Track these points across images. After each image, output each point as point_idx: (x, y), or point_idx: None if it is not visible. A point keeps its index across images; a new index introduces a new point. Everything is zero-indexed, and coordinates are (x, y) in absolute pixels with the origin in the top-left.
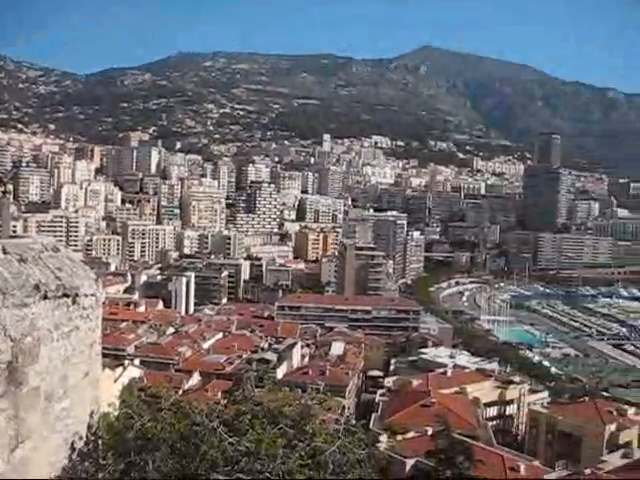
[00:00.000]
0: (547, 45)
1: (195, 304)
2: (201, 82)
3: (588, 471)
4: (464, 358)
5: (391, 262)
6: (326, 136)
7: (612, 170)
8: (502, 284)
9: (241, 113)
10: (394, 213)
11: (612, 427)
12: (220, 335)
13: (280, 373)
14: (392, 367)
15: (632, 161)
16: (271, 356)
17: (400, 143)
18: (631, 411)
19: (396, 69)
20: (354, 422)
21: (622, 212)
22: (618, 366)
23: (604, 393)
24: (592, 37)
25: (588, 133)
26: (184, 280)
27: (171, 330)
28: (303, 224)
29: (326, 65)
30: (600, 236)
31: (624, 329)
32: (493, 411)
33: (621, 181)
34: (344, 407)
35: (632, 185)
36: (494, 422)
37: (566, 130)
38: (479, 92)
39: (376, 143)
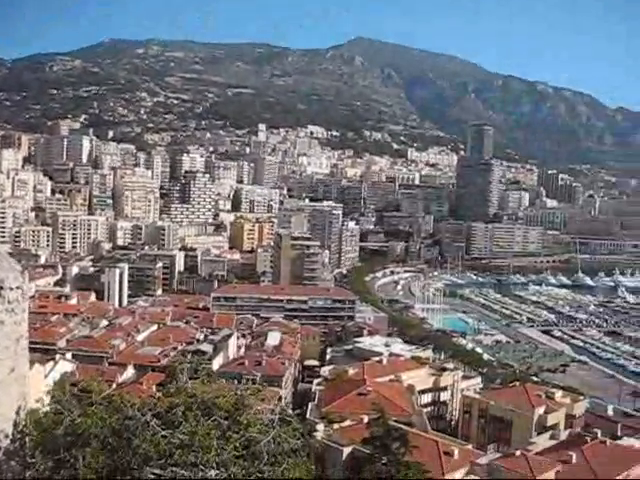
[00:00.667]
0: (478, 38)
1: (129, 296)
2: (134, 70)
3: (518, 453)
4: (399, 346)
5: (327, 252)
6: (261, 126)
7: (541, 161)
8: (436, 273)
9: (175, 102)
10: (330, 203)
11: (540, 410)
12: (155, 327)
13: (216, 364)
14: (328, 356)
15: (560, 152)
16: (207, 347)
17: (335, 133)
18: (558, 394)
19: (331, 59)
20: (289, 412)
21: (551, 202)
22: (547, 351)
23: (533, 378)
24: (521, 31)
25: (519, 125)
26: (117, 272)
27: (104, 323)
28: (238, 214)
29: (261, 54)
30: (530, 225)
31: (552, 316)
32: (428, 398)
33: (550, 172)
34: (280, 397)
35: (560, 176)
36: (429, 408)
37: (498, 122)
38: (413, 83)
39: (312, 133)
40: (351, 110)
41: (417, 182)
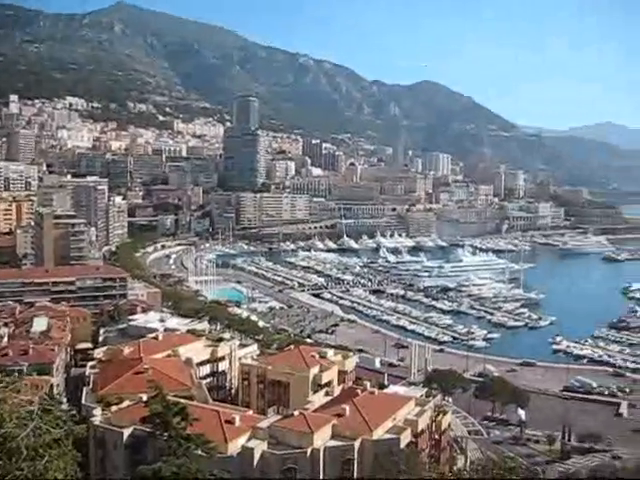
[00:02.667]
0: (242, 9)
1: None
2: None
3: (297, 413)
4: (174, 320)
5: (93, 229)
6: (13, 97)
7: (306, 131)
8: (208, 245)
9: None
10: (94, 178)
11: (315, 370)
12: None
13: None
14: (101, 337)
15: (323, 122)
16: None
17: (97, 105)
18: (330, 353)
19: (89, 26)
20: (54, 400)
21: (316, 170)
22: (318, 313)
23: (307, 340)
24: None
25: (283, 96)
26: None
27: None
28: None
29: (10, 17)
30: (297, 194)
31: (322, 279)
32: (206, 369)
33: (314, 142)
34: (52, 385)
35: (324, 145)
36: (208, 380)
37: (263, 93)
38: (178, 53)
39: (71, 105)
40: (113, 80)
41: (184, 154)
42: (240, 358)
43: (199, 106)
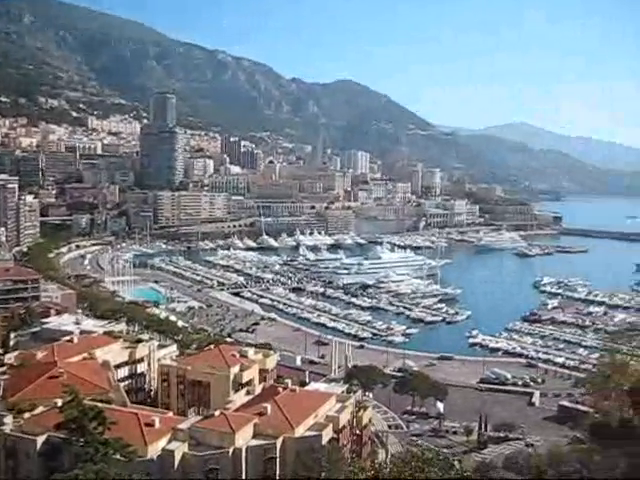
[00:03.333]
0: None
1: None
2: None
3: (217, 412)
4: (90, 322)
5: (3, 229)
6: None
7: (224, 129)
8: (124, 244)
9: None
10: (3, 176)
11: (236, 369)
12: None
13: None
14: (12, 342)
15: (242, 120)
16: None
17: (5, 99)
18: (251, 352)
19: None
20: None
21: (235, 169)
22: (238, 312)
23: (228, 339)
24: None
25: (201, 93)
26: None
27: None
28: None
29: None
30: (216, 192)
31: (241, 278)
32: (124, 371)
33: (232, 139)
34: None
35: (243, 143)
36: (127, 382)
37: (180, 90)
38: (92, 48)
39: None
40: (22, 74)
41: (99, 151)
42: (159, 359)
43: (114, 102)
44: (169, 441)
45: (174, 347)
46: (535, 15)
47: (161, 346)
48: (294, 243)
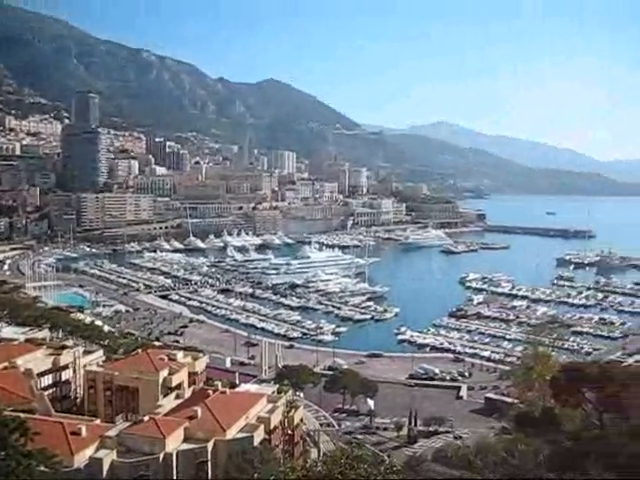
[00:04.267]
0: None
1: None
2: None
3: (147, 418)
4: (11, 330)
5: None
6: None
7: (149, 129)
8: (46, 248)
9: None
10: None
11: (165, 373)
12: None
13: None
14: None
15: (167, 120)
16: None
17: None
18: (180, 355)
19: None
20: None
21: (160, 169)
22: (166, 315)
23: (156, 343)
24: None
25: (124, 93)
26: None
27: None
28: None
29: None
30: (141, 193)
31: (169, 280)
32: (48, 379)
33: (157, 140)
34: None
35: (168, 143)
36: (50, 390)
37: (103, 89)
38: (8, 45)
39: None
40: None
41: (18, 152)
42: (85, 365)
43: (34, 102)
44: (97, 449)
45: (100, 353)
46: (460, 14)
47: (87, 352)
48: (222, 244)
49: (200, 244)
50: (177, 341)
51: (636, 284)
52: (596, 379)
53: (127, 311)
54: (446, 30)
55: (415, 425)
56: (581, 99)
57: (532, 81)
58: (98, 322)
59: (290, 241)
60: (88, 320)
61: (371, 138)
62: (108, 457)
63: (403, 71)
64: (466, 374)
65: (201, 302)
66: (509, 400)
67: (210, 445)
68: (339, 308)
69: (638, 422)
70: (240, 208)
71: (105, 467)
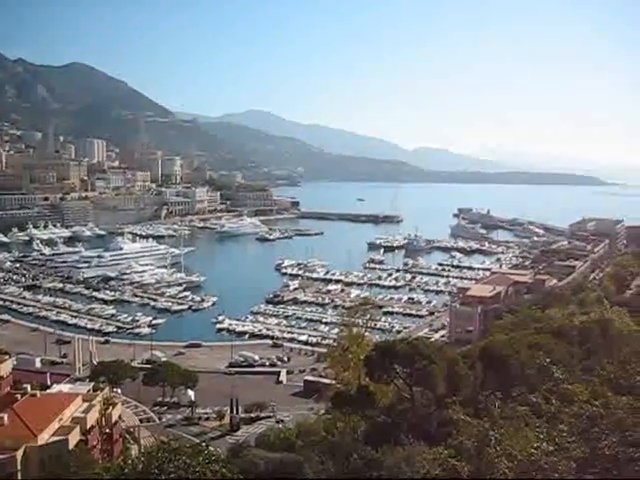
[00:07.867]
0: None
1: None
2: None
3: None
4: None
5: None
6: None
7: None
8: None
9: None
10: None
11: None
12: None
13: None
14: None
15: None
16: None
17: None
18: None
19: None
20: None
21: None
22: None
23: None
24: None
25: None
26: None
27: None
28: None
29: None
30: None
31: None
32: None
33: None
34: None
35: None
36: None
37: None
38: None
39: None
40: None
41: None
42: None
43: None
44: None
45: None
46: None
47: None
48: (27, 237)
49: (2, 238)
50: None
51: (439, 265)
52: (406, 355)
53: None
54: (254, 20)
55: (237, 413)
56: (388, 88)
57: (343, 70)
58: None
59: (102, 232)
60: None
61: (185, 126)
62: None
63: (217, 60)
64: (285, 359)
65: (5, 300)
66: (327, 381)
67: (19, 453)
68: (155, 300)
69: (442, 392)
70: (46, 199)
71: None
